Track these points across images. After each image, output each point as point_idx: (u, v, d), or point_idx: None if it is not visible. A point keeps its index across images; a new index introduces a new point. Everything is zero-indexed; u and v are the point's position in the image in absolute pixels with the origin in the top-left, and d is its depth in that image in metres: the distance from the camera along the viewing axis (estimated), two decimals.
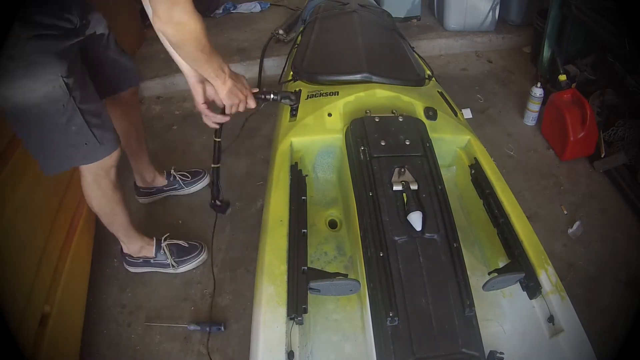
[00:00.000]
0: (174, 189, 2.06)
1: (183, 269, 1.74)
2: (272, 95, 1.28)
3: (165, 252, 1.71)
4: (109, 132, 1.31)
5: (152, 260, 1.72)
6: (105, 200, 1.43)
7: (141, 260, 1.72)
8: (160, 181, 2.02)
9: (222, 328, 1.55)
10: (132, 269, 1.75)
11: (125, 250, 1.71)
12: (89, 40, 1.35)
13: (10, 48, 1.05)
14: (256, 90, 1.26)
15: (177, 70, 1.11)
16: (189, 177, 2.07)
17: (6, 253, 1.22)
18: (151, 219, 1.98)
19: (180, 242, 1.75)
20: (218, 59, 1.10)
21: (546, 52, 2.43)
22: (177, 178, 2.05)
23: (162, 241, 1.73)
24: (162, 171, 2.04)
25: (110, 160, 1.34)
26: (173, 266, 1.72)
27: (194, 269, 1.75)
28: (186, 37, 1.01)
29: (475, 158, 1.20)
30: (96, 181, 1.37)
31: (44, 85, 1.10)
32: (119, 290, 1.72)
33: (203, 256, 1.77)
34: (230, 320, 1.57)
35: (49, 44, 1.11)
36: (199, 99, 1.21)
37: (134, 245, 1.68)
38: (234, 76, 1.17)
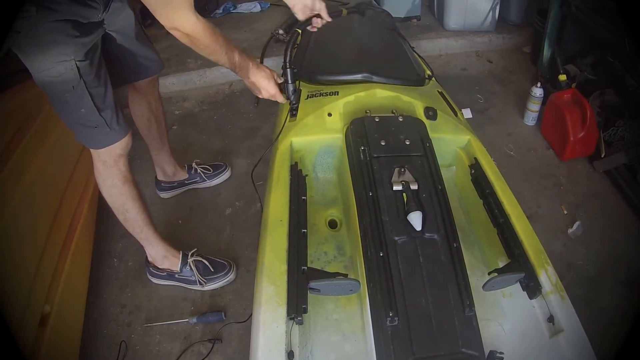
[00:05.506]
0: (195, 182, 2.07)
1: (210, 287, 1.66)
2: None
3: (191, 268, 1.64)
4: (119, 119, 1.31)
5: (176, 275, 1.65)
6: (115, 191, 1.41)
7: (165, 273, 1.66)
8: (182, 174, 2.03)
9: (223, 316, 1.55)
10: (154, 280, 1.69)
11: (149, 259, 1.66)
12: (112, 29, 1.34)
13: (32, 29, 1.08)
14: (281, 81, 1.34)
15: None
16: (210, 170, 2.09)
17: (6, 253, 1.22)
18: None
19: (206, 260, 1.66)
20: (236, 56, 1.21)
21: (546, 52, 2.43)
22: (199, 171, 2.06)
23: (189, 256, 1.66)
24: (182, 165, 2.04)
25: (118, 148, 1.33)
26: (200, 283, 1.64)
27: (220, 287, 1.66)
28: (192, 42, 1.09)
29: (475, 158, 1.20)
30: (106, 170, 1.37)
31: (56, 65, 1.13)
32: (119, 290, 1.71)
33: (231, 276, 1.67)
34: (230, 320, 1.57)
35: (69, 27, 1.13)
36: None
37: (155, 251, 1.61)
38: (260, 73, 1.28)
